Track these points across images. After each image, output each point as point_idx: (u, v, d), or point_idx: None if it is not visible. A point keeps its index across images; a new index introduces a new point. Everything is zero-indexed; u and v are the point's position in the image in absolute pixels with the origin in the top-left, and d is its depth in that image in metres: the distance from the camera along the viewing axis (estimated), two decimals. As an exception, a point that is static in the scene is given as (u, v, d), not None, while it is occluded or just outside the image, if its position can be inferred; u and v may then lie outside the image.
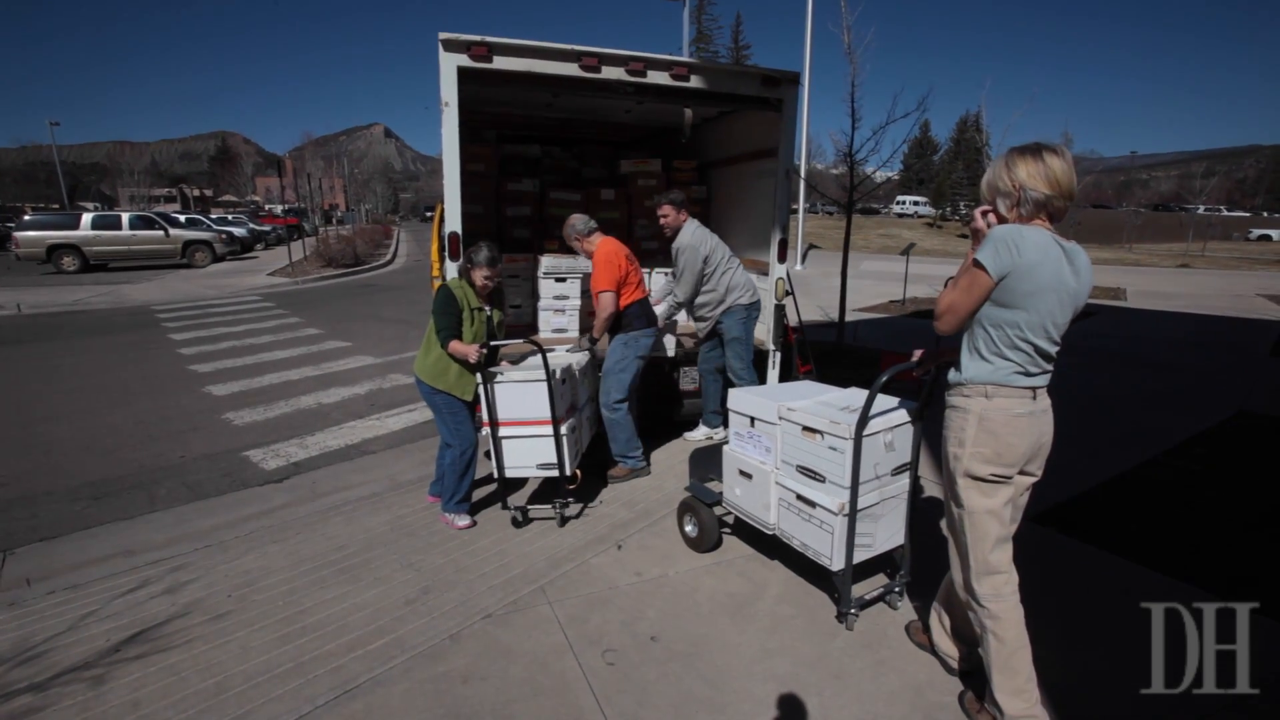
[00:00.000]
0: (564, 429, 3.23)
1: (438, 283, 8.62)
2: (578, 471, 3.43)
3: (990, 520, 1.83)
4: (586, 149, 6.96)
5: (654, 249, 6.31)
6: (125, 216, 18.32)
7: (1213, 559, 2.97)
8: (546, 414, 3.17)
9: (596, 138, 6.93)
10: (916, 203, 54.88)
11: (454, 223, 3.97)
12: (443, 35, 3.65)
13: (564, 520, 3.34)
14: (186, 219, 21.61)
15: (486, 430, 3.25)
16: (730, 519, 3.12)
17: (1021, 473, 1.85)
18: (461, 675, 2.22)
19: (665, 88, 4.21)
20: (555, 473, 3.28)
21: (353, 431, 5.08)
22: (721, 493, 2.88)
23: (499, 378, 3.19)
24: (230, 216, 28.84)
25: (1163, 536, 3.18)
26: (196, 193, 72.21)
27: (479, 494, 3.72)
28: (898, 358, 6.12)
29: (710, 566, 2.93)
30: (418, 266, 19.88)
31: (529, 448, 3.25)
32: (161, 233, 18.04)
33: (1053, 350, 1.79)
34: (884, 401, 2.38)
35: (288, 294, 13.43)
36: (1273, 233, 37.95)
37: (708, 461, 3.10)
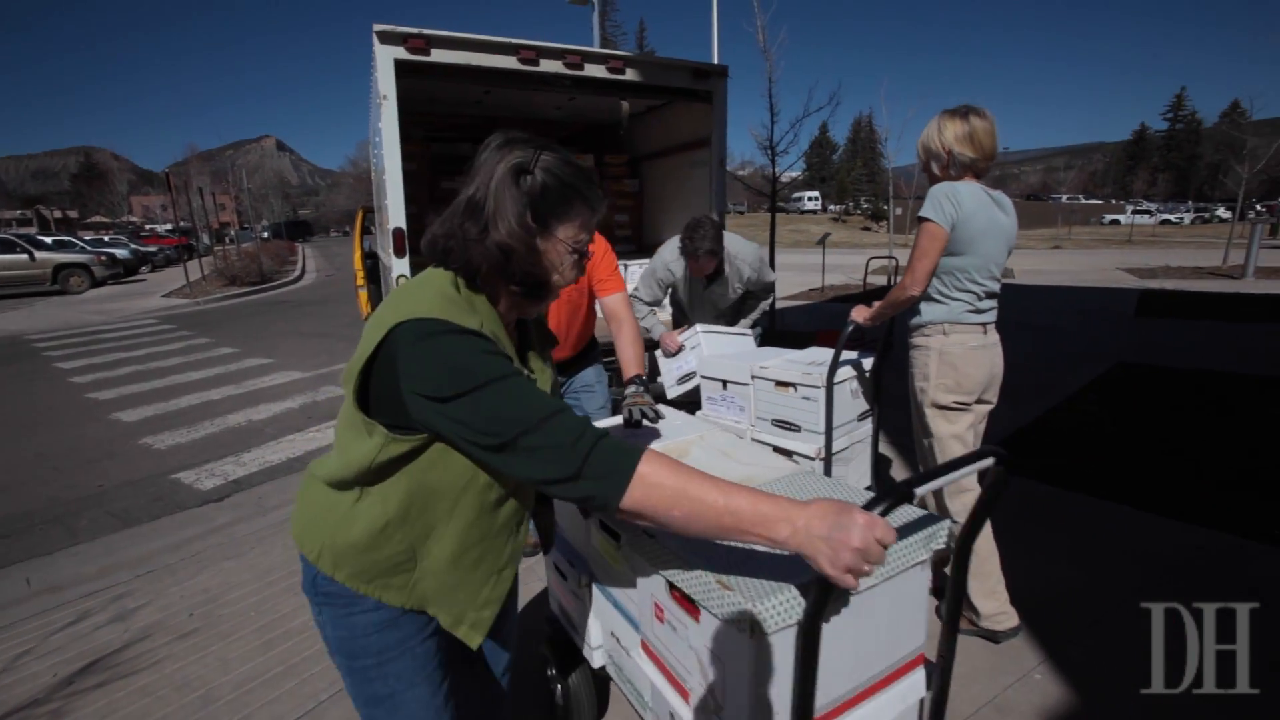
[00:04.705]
0: None
1: (364, 293, 8.19)
2: None
3: (956, 444, 2.05)
4: (517, 147, 6.93)
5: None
6: (-24, 240, 16.26)
7: (1125, 477, 3.41)
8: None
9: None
10: (813, 199, 59.41)
11: (398, 218, 3.88)
12: (378, 27, 3.56)
13: None
14: (54, 240, 19.39)
15: None
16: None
17: (979, 401, 2.09)
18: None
19: (602, 80, 4.29)
20: None
21: (292, 445, 4.80)
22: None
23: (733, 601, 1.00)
24: (107, 238, 26.20)
25: (1081, 465, 3.61)
26: (58, 214, 64.76)
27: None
28: (833, 335, 6.44)
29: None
30: (330, 281, 18.86)
31: None
32: (25, 256, 16.14)
33: (996, 288, 2.04)
34: (844, 355, 2.57)
35: (190, 315, 12.38)
36: (1120, 217, 44.43)
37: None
